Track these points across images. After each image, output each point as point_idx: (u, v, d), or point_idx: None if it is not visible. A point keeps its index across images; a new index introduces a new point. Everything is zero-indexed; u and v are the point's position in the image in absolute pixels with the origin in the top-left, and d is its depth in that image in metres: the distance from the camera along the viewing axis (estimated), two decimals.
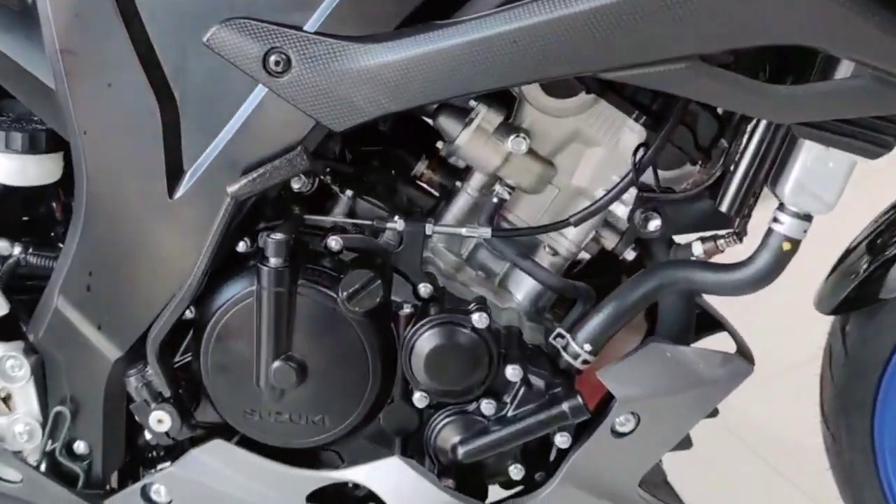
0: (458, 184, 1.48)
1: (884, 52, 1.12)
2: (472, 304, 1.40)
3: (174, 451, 1.50)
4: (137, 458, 1.53)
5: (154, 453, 1.53)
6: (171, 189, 1.34)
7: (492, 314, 1.40)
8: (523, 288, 1.50)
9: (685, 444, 1.57)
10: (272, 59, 1.24)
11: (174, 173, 1.33)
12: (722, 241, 1.49)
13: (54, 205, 1.52)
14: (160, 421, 1.41)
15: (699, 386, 1.46)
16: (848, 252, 1.67)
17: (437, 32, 1.21)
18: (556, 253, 1.47)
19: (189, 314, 1.41)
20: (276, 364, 1.38)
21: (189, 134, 1.32)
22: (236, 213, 1.32)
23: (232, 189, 1.29)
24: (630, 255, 1.48)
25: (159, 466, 1.49)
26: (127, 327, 1.41)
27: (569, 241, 1.47)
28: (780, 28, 1.12)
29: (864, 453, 1.75)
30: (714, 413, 1.54)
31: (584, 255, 1.53)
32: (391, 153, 1.53)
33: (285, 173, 1.29)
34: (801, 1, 1.09)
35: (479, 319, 1.38)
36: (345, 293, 1.34)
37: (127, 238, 1.37)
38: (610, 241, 1.48)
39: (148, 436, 1.45)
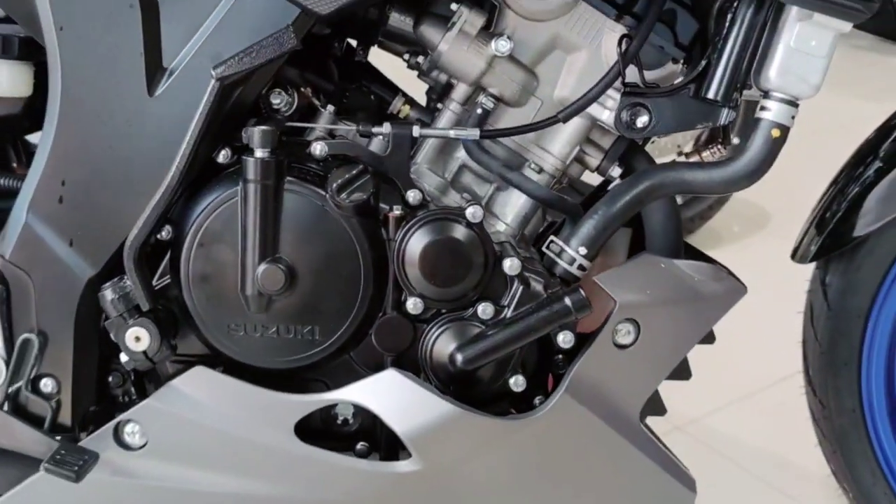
0: (439, 105, 1.44)
1: None
2: (464, 200, 1.33)
3: (149, 388, 1.37)
4: (110, 402, 1.39)
5: (127, 397, 1.39)
6: (151, 87, 1.26)
7: (485, 211, 1.33)
8: (510, 211, 1.42)
9: (685, 372, 1.49)
10: None
11: (153, 70, 1.26)
12: (707, 152, 1.46)
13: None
14: (138, 338, 1.28)
15: (695, 299, 1.39)
16: (818, 204, 1.66)
17: None
18: (541, 170, 1.42)
19: (166, 234, 1.32)
20: (263, 266, 1.27)
21: (169, 29, 1.25)
22: (220, 101, 1.25)
23: (218, 70, 1.23)
24: (616, 171, 1.44)
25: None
26: (101, 241, 1.29)
27: (554, 156, 1.41)
28: None
29: (854, 415, 1.70)
30: (711, 338, 1.48)
31: None
32: (368, 89, 1.49)
33: (273, 52, 1.23)
34: None
35: (473, 213, 1.30)
36: (334, 184, 1.27)
37: (103, 142, 1.27)
38: (594, 158, 1.44)
39: (124, 358, 1.32)
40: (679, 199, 2.91)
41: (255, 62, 1.22)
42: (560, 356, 1.38)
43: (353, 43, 1.49)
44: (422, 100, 1.50)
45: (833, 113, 3.42)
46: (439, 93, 1.44)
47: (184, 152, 1.24)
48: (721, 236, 3.11)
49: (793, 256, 1.68)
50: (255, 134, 1.25)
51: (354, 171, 1.27)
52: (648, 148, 1.48)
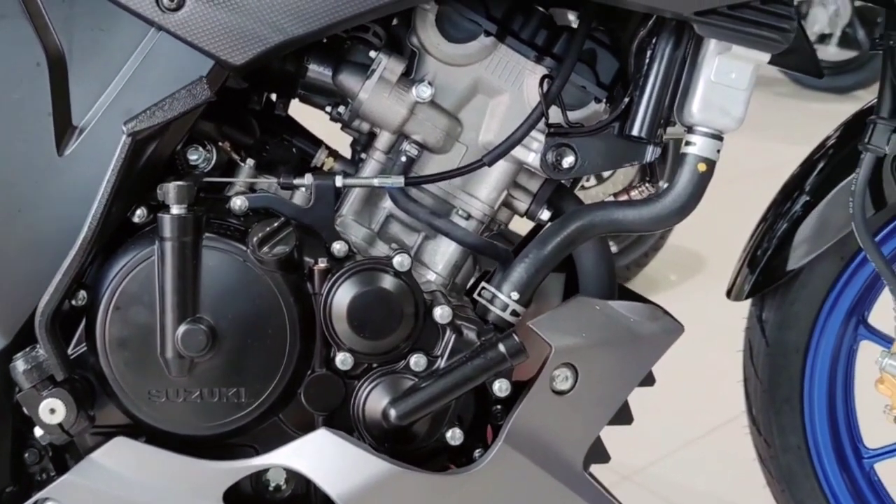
0: (363, 155, 1.40)
1: None
2: (392, 251, 1.29)
3: (68, 463, 1.29)
4: (27, 481, 1.31)
5: (45, 474, 1.31)
6: (60, 146, 1.20)
7: (413, 259, 1.29)
8: (440, 260, 1.39)
9: (626, 417, 1.45)
10: None
11: (63, 129, 1.20)
12: (635, 191, 1.44)
13: None
14: (52, 410, 1.20)
15: (632, 340, 1.36)
16: (749, 242, 1.65)
17: None
18: (469, 216, 1.38)
19: (81, 300, 1.26)
20: (183, 327, 1.21)
21: (78, 85, 1.21)
22: (133, 157, 1.20)
23: (129, 126, 1.18)
24: (545, 215, 1.41)
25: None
26: (12, 310, 1.22)
27: (481, 202, 1.38)
28: None
29: (800, 452, 1.67)
30: (650, 380, 1.44)
31: None
32: (290, 143, 1.45)
33: (185, 105, 1.18)
34: None
35: (400, 262, 1.26)
36: (256, 238, 1.21)
37: (11, 206, 1.20)
38: (522, 202, 1.41)
39: (39, 432, 1.24)
40: (613, 248, 2.93)
41: (168, 116, 1.18)
42: (498, 406, 1.33)
43: (274, 96, 1.44)
44: (347, 153, 1.46)
45: (758, 157, 3.46)
46: (363, 143, 1.40)
47: (95, 213, 1.18)
48: (657, 282, 3.11)
49: (728, 294, 1.66)
50: (170, 190, 1.19)
51: (275, 225, 1.22)
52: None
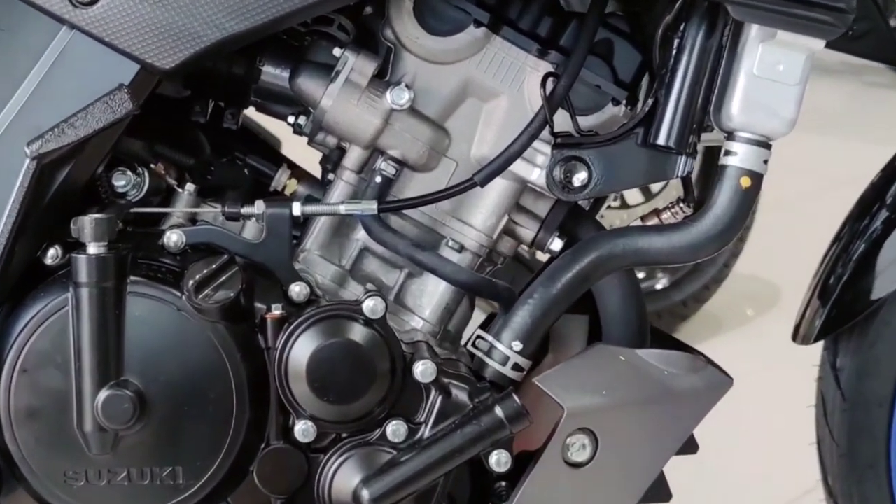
0: (331, 176, 1.39)
1: None
2: (363, 293, 1.27)
3: None
4: None
5: None
6: None
7: (388, 303, 1.26)
8: (427, 303, 1.36)
9: (663, 493, 1.41)
10: None
11: None
12: (667, 213, 1.41)
13: None
14: None
15: (668, 399, 1.33)
16: (820, 268, 1.62)
17: None
18: (462, 248, 1.35)
19: None
20: (105, 394, 1.19)
21: None
22: (40, 184, 1.19)
23: (33, 147, 1.16)
24: (556, 244, 1.38)
25: None
26: None
27: (476, 230, 1.35)
28: None
29: None
30: (692, 447, 1.41)
31: None
32: (243, 162, 1.44)
33: (102, 120, 1.16)
34: None
35: (373, 308, 1.23)
36: (191, 283, 1.20)
37: None
38: (528, 229, 1.38)
39: None
40: (663, 281, 2.91)
41: (81, 134, 1.17)
42: (503, 483, 1.30)
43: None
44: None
45: (846, 163, 3.41)
46: (334, 161, 1.38)
47: None
48: (722, 321, 3.07)
49: (794, 337, 1.63)
50: (86, 225, 1.18)
51: (217, 265, 1.20)
52: None
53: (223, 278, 1.21)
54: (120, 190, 1.31)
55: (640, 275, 2.90)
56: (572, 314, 1.44)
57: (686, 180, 1.39)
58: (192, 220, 1.32)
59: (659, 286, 2.86)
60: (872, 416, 1.56)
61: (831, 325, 1.54)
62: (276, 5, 1.17)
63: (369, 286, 1.34)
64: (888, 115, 4.67)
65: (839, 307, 1.53)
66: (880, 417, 1.57)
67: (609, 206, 2.36)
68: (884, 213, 1.53)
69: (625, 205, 2.65)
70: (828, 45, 1.57)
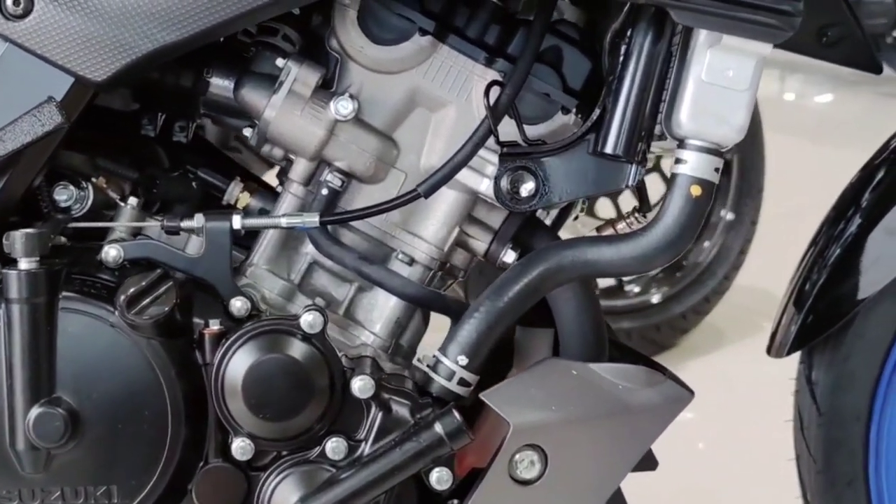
0: (278, 188, 1.36)
1: None
2: (302, 308, 1.24)
3: None
4: None
5: None
6: None
7: (327, 318, 1.23)
8: (377, 317, 1.33)
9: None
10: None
11: None
12: (622, 223, 1.38)
13: None
14: None
15: (623, 413, 1.29)
16: (795, 275, 1.59)
17: None
18: (412, 261, 1.32)
19: None
20: (36, 411, 1.17)
21: None
22: None
23: None
24: (509, 256, 1.34)
25: None
26: None
27: (427, 242, 1.32)
28: None
29: None
30: (651, 463, 1.37)
31: None
32: (194, 175, 1.41)
33: (30, 134, 1.14)
34: None
35: (311, 322, 1.20)
36: (124, 298, 1.17)
37: None
38: (481, 241, 1.34)
39: None
40: (657, 296, 2.87)
41: (10, 147, 1.16)
42: (454, 501, 1.27)
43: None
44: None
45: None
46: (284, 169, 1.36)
47: None
48: (724, 334, 3.03)
49: (769, 350, 1.59)
50: (17, 240, 1.16)
51: (150, 279, 1.18)
52: None
53: (157, 293, 1.19)
54: (62, 204, 1.29)
55: (636, 288, 2.87)
56: (536, 327, 1.40)
57: (640, 189, 1.35)
58: (135, 234, 1.29)
59: (655, 300, 2.82)
60: (849, 430, 1.53)
61: (807, 335, 1.50)
62: (207, 16, 1.15)
63: (318, 301, 1.31)
64: None
65: (815, 314, 1.49)
66: (857, 432, 1.53)
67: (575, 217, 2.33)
68: (858, 220, 1.49)
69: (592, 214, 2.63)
70: (803, 53, 1.54)
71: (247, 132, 1.35)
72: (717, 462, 2.59)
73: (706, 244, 2.92)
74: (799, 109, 5.38)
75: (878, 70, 1.54)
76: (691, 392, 1.33)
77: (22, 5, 1.16)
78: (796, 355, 1.58)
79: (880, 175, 1.51)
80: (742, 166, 2.96)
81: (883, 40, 5.28)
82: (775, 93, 5.60)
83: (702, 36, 1.18)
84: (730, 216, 2.90)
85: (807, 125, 5.07)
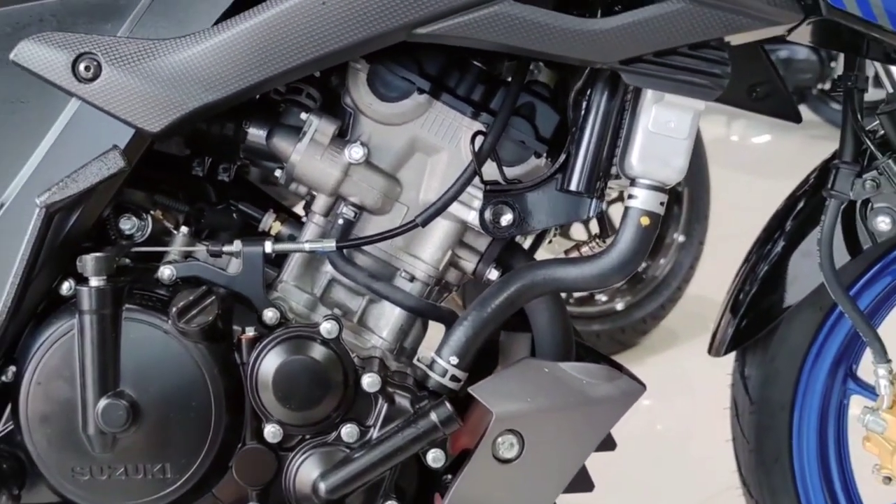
0: (303, 219, 1.37)
1: None
2: (322, 317, 1.24)
3: None
4: None
5: None
6: None
7: (344, 329, 1.24)
8: (384, 324, 1.33)
9: (585, 483, 1.37)
10: (82, 65, 1.15)
11: None
12: (586, 247, 1.38)
13: None
14: None
15: (585, 404, 1.29)
16: (732, 287, 1.58)
17: (245, 16, 1.15)
18: (413, 278, 1.33)
19: (11, 376, 1.23)
20: (104, 402, 1.17)
21: None
22: (48, 230, 1.17)
23: (42, 198, 1.15)
24: (493, 274, 1.35)
25: None
26: None
27: (425, 263, 1.32)
28: None
29: None
30: (611, 445, 1.37)
31: None
32: (235, 208, 1.42)
33: (98, 175, 1.15)
34: None
35: (329, 329, 1.21)
36: (175, 309, 1.18)
37: None
38: (469, 262, 1.35)
39: None
40: (627, 300, 2.86)
41: (81, 187, 1.15)
42: (448, 476, 1.27)
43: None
44: None
45: None
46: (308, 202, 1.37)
47: (11, 286, 1.16)
48: (677, 334, 3.01)
49: (709, 350, 1.58)
50: (88, 262, 1.17)
51: (197, 294, 1.18)
52: None
53: (203, 305, 1.18)
54: (126, 232, 1.29)
55: (604, 297, 2.85)
56: (517, 332, 1.40)
57: (600, 219, 1.35)
58: (186, 256, 1.29)
59: (619, 307, 2.81)
60: (776, 417, 1.52)
61: (740, 338, 1.49)
62: (244, 79, 1.15)
63: (335, 311, 1.31)
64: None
65: (747, 319, 1.48)
66: (782, 419, 1.52)
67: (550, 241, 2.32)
68: (782, 242, 1.48)
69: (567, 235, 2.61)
70: (737, 106, 1.54)
71: (277, 173, 1.35)
72: (671, 441, 2.56)
73: (662, 261, 2.89)
74: (742, 148, 5.35)
75: (798, 120, 1.54)
76: (643, 385, 1.33)
77: (92, 71, 1.15)
78: (733, 353, 1.57)
79: (800, 206, 1.51)
80: (691, 196, 2.94)
81: (809, 92, 5.25)
82: (722, 135, 5.58)
83: (648, 94, 1.18)
84: (681, 238, 2.87)
85: (748, 162, 5.05)
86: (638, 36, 1.12)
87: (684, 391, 2.67)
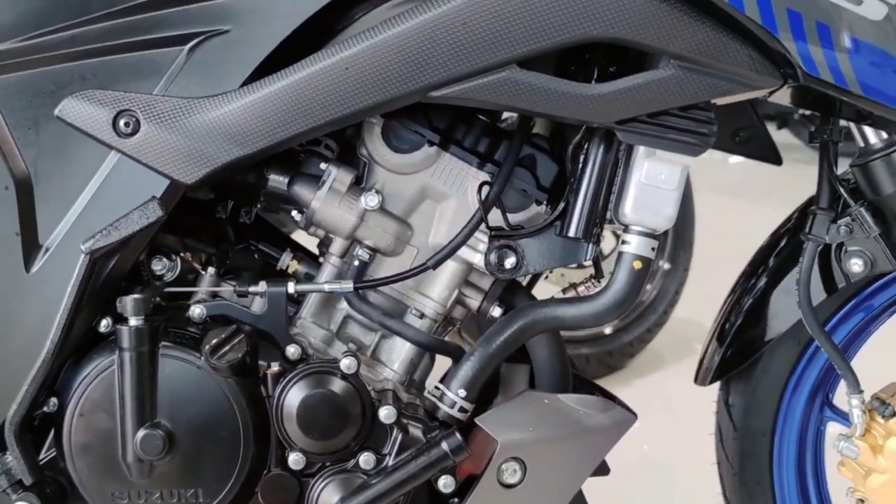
0: (321, 259, 1.47)
1: (686, 40, 1.18)
2: (341, 353, 1.35)
3: None
4: None
5: None
6: (28, 264, 1.28)
7: (360, 362, 1.34)
8: (396, 358, 1.43)
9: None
10: (122, 121, 1.25)
11: (30, 248, 1.29)
12: (581, 287, 1.49)
13: None
14: None
15: (582, 433, 1.39)
16: (718, 318, 1.68)
17: (273, 78, 1.26)
18: (423, 315, 1.43)
19: (53, 406, 1.33)
20: (142, 432, 1.27)
21: (44, 208, 1.29)
22: (92, 273, 1.28)
23: (87, 244, 1.26)
24: (496, 312, 1.45)
25: None
26: None
27: (434, 301, 1.43)
28: (582, 24, 1.19)
29: None
30: (604, 470, 1.48)
31: None
32: (255, 248, 1.52)
33: (139, 224, 1.25)
34: None
35: (348, 365, 1.31)
36: (208, 347, 1.28)
37: None
38: (474, 300, 1.46)
39: None
40: (615, 325, 2.96)
41: (123, 234, 1.25)
42: (455, 499, 1.37)
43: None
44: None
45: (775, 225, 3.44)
46: (325, 247, 1.47)
47: (58, 326, 1.26)
48: (663, 357, 3.11)
49: (695, 379, 1.68)
50: (127, 303, 1.27)
51: (227, 333, 1.28)
52: None
53: (233, 343, 1.28)
54: (158, 273, 1.38)
55: None
56: (517, 364, 1.50)
57: (595, 262, 1.46)
58: (213, 296, 1.39)
59: (607, 331, 2.91)
60: (757, 443, 1.62)
61: (726, 367, 1.59)
62: (270, 137, 1.25)
63: (350, 346, 1.41)
64: (810, 186, 4.69)
65: (732, 349, 1.58)
66: (763, 445, 1.62)
67: (546, 277, 2.42)
68: (765, 278, 1.57)
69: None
70: (722, 149, 1.65)
71: (296, 216, 1.44)
72: (658, 461, 2.62)
73: (648, 287, 2.98)
74: (720, 171, 5.43)
75: (778, 162, 1.65)
76: (635, 415, 1.43)
77: (131, 126, 1.25)
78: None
79: (782, 244, 1.60)
80: (677, 225, 3.01)
81: (790, 117, 5.39)
82: (702, 157, 5.63)
83: (641, 150, 1.29)
84: (666, 266, 2.96)
85: (727, 184, 5.14)
86: (632, 100, 1.22)
87: (669, 413, 2.77)
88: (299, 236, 1.65)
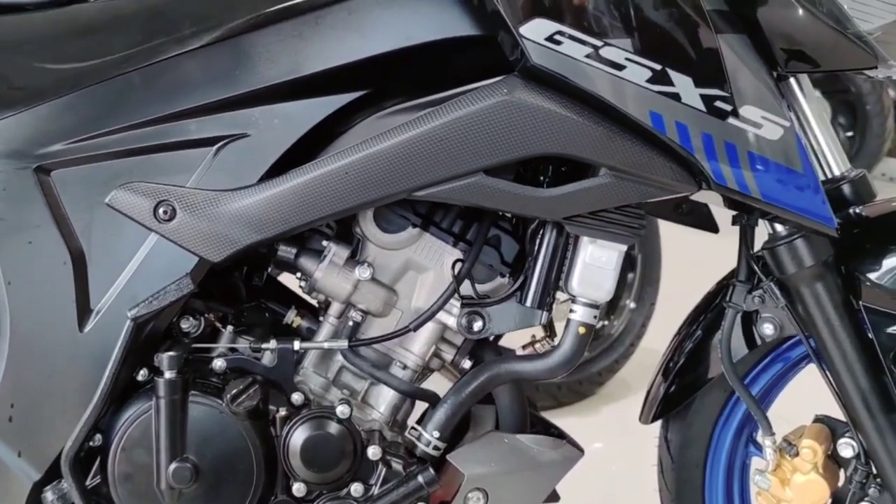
0: (321, 318, 1.78)
1: (619, 155, 1.48)
2: (338, 399, 1.66)
3: None
4: None
5: None
6: (81, 325, 1.58)
7: (353, 410, 1.66)
8: (382, 402, 1.73)
9: None
10: (161, 209, 1.55)
11: (83, 311, 1.58)
12: (538, 344, 1.80)
13: None
14: None
15: (535, 467, 1.70)
16: (661, 364, 1.92)
17: (289, 175, 1.56)
18: (405, 367, 1.74)
19: (97, 442, 1.64)
20: (174, 465, 1.56)
21: (95, 278, 1.58)
22: (135, 335, 1.58)
23: (132, 312, 1.57)
24: (466, 364, 1.76)
25: None
26: (44, 451, 1.58)
27: (415, 355, 1.73)
28: (535, 142, 1.49)
29: None
30: (554, 497, 1.79)
31: None
32: (265, 306, 1.83)
33: (175, 295, 1.56)
34: (545, 120, 1.45)
35: (342, 411, 1.63)
36: (228, 395, 1.59)
37: (44, 370, 1.57)
38: (449, 354, 1.75)
39: None
40: (585, 356, 3.25)
41: (162, 304, 1.55)
42: None
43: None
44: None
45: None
46: (324, 308, 1.77)
47: (107, 378, 1.56)
48: (630, 386, 3.39)
49: (640, 417, 1.97)
50: (164, 360, 1.57)
51: (245, 383, 1.59)
52: None
53: (249, 392, 1.58)
54: (185, 330, 1.67)
55: None
56: (486, 405, 1.80)
57: (549, 324, 1.77)
58: (232, 350, 1.68)
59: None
60: (692, 474, 1.89)
61: (667, 406, 1.84)
62: (284, 224, 1.54)
63: (344, 392, 1.71)
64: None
65: (674, 388, 1.83)
66: (697, 475, 1.90)
67: None
68: (702, 328, 1.82)
69: None
70: (666, 219, 1.93)
71: (301, 283, 1.74)
72: (625, 480, 2.80)
73: (616, 322, 3.24)
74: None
75: (715, 231, 1.94)
76: (581, 451, 1.74)
77: (168, 214, 1.54)
78: None
79: (717, 301, 1.84)
80: (644, 261, 3.29)
81: None
82: None
83: (585, 238, 1.59)
84: (632, 305, 3.22)
85: None
86: (575, 201, 1.53)
87: (634, 437, 3.01)
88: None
